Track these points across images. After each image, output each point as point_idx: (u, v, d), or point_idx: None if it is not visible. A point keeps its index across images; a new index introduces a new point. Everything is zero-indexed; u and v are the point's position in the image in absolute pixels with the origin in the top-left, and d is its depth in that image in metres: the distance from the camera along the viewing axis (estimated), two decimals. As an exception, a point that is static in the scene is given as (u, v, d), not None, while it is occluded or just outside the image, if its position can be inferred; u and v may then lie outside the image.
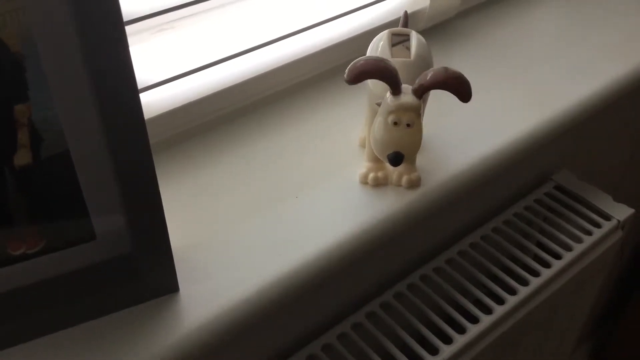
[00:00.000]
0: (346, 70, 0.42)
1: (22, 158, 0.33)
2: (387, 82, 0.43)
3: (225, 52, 0.51)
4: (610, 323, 1.32)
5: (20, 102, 0.31)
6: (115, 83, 0.32)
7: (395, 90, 0.43)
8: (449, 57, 0.64)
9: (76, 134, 0.33)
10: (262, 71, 0.54)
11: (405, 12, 0.51)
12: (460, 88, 0.42)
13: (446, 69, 0.42)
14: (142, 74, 0.47)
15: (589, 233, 0.62)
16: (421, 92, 0.43)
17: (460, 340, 0.52)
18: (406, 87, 0.43)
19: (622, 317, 1.26)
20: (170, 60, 0.49)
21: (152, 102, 0.49)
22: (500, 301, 0.55)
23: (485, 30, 0.69)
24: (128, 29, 0.48)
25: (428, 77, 0.42)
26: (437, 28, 0.68)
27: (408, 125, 0.43)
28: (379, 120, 0.44)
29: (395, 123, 0.43)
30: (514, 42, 0.67)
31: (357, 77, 0.42)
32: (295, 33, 0.54)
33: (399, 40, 0.50)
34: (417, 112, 0.43)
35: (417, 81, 0.43)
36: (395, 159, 0.44)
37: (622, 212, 0.64)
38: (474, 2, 0.72)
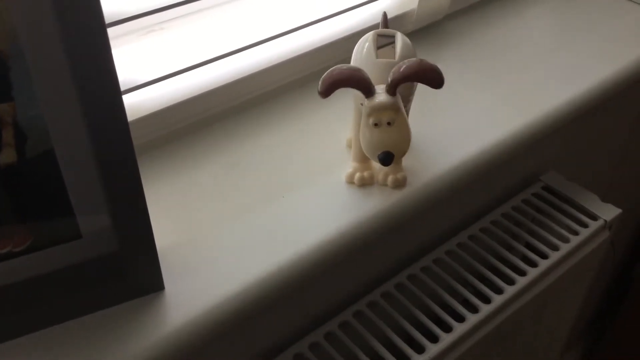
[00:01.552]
0: (318, 87, 0.43)
1: (7, 157, 0.33)
2: (357, 89, 0.43)
3: (213, 53, 0.51)
4: (607, 323, 1.32)
5: (5, 101, 0.32)
6: (98, 83, 0.33)
7: (368, 93, 0.44)
8: (438, 59, 0.64)
9: (61, 133, 0.34)
10: (250, 72, 0.54)
11: (384, 13, 0.52)
12: (428, 75, 0.43)
13: (412, 62, 0.43)
14: (131, 74, 0.48)
15: (576, 233, 0.62)
16: (393, 88, 0.43)
17: (446, 339, 0.52)
18: (380, 87, 0.44)
19: (618, 317, 1.26)
20: (158, 61, 0.49)
21: (140, 102, 0.50)
22: (487, 300, 0.56)
23: (473, 32, 0.69)
24: (118, 29, 0.49)
25: (394, 74, 0.43)
26: (425, 30, 0.68)
27: (389, 123, 0.44)
28: (363, 123, 0.45)
29: (376, 124, 0.44)
30: (502, 44, 0.68)
31: (328, 90, 0.43)
32: (283, 35, 0.55)
33: (387, 42, 0.50)
34: (393, 109, 0.43)
35: (388, 79, 0.43)
36: (386, 159, 0.45)
37: (609, 212, 0.64)
38: (463, 5, 0.72)
